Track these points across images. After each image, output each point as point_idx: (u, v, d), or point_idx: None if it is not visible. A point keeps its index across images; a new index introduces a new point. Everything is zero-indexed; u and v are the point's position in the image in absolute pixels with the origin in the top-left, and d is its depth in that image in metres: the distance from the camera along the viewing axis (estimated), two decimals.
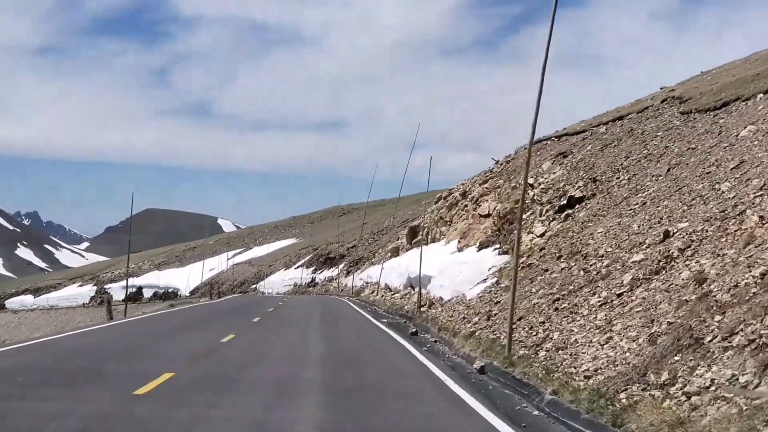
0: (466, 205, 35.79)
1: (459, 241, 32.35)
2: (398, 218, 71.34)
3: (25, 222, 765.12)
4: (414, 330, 19.81)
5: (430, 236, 39.58)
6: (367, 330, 21.81)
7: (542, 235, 23.18)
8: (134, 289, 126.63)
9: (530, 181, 30.71)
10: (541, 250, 20.41)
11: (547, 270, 17.50)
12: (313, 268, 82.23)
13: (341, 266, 69.31)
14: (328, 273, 74.96)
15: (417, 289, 32.42)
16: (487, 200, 33.02)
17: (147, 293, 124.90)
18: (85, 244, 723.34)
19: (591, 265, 15.02)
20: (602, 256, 15.05)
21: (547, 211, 24.98)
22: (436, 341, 17.93)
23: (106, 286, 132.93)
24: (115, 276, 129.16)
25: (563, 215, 22.65)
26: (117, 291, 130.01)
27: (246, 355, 14.48)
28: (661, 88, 39.47)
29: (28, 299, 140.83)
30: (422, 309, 26.66)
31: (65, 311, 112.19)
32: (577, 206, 22.87)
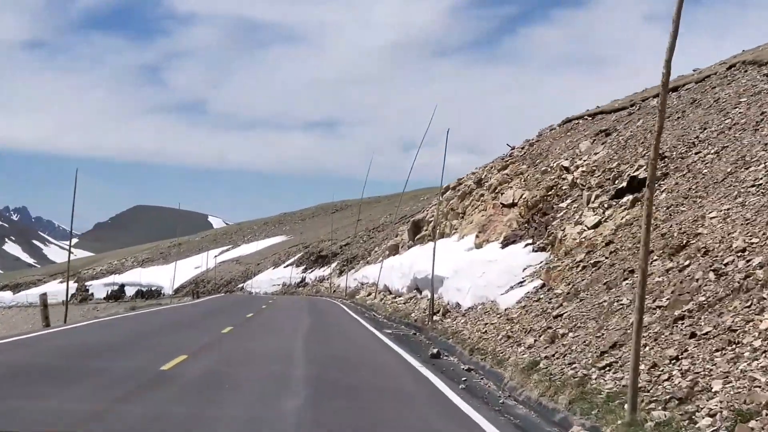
0: (482, 195, 30.44)
1: (477, 236, 26.98)
2: (397, 214, 65.89)
3: (14, 217, 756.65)
4: (435, 351, 14.44)
5: (438, 231, 34.19)
6: (372, 349, 16.46)
7: (596, 226, 17.86)
8: (116, 287, 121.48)
9: (565, 163, 25.41)
10: (607, 244, 15.04)
11: (632, 271, 12.15)
12: (303, 267, 76.79)
13: (333, 265, 63.87)
14: (319, 272, 69.52)
15: (426, 293, 27.05)
16: (510, 188, 27.67)
17: (130, 291, 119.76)
18: (74, 240, 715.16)
19: (726, 265, 9.67)
20: (743, 250, 9.71)
21: (597, 196, 19.65)
22: (470, 370, 12.56)
23: (87, 284, 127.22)
24: (97, 273, 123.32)
25: (628, 200, 17.30)
26: (98, 288, 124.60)
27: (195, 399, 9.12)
28: (693, 70, 34.54)
29: (6, 296, 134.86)
30: (435, 318, 21.33)
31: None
32: (643, 189, 17.54)
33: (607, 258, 14.09)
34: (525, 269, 19.43)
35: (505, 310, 16.27)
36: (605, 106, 30.92)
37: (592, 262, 14.46)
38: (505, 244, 23.94)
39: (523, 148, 32.83)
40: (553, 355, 10.52)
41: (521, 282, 18.36)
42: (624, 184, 18.67)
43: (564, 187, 23.77)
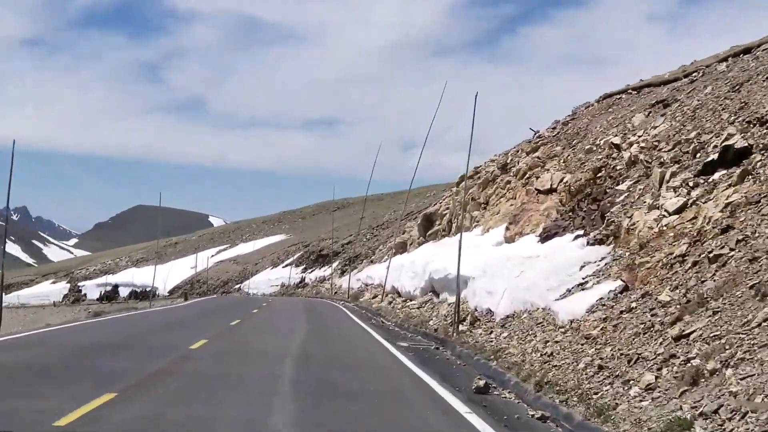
0: (508, 182, 26.06)
1: (507, 228, 22.61)
2: (403, 210, 61.48)
3: (14, 217, 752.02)
4: (482, 384, 10.04)
5: (454, 225, 29.85)
6: (388, 373, 12.06)
7: (680, 210, 13.51)
8: (110, 288, 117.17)
9: (615, 140, 21.04)
10: (724, 231, 10.63)
11: None
12: (302, 267, 72.50)
13: (335, 265, 59.49)
14: (319, 272, 65.19)
15: (445, 296, 22.67)
16: (546, 171, 23.30)
17: (124, 292, 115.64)
18: (74, 240, 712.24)
19: None
20: None
21: (674, 174, 15.26)
22: (545, 419, 8.17)
23: (80, 284, 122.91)
24: (90, 273, 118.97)
25: (733, 174, 12.91)
26: (91, 288, 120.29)
27: None
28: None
29: None
30: (461, 328, 17.01)
31: (35, 310, 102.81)
32: (744, 161, 13.20)
33: (734, 250, 9.68)
34: (582, 267, 15.06)
35: (571, 321, 11.88)
36: (651, 78, 26.54)
37: (709, 255, 10.06)
38: (546, 237, 19.59)
39: (554, 128, 28.45)
40: (714, 412, 6.11)
41: (582, 283, 13.99)
42: (714, 156, 14.28)
43: (618, 167, 19.40)
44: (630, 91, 26.32)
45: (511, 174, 26.29)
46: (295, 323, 23.49)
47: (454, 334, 16.64)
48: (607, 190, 18.71)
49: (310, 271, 68.89)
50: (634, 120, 21.50)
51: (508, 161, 28.08)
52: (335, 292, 51.08)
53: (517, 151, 28.75)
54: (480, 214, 27.32)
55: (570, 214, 19.66)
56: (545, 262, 17.18)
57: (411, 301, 26.73)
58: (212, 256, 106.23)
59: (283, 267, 77.69)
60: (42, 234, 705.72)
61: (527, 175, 24.62)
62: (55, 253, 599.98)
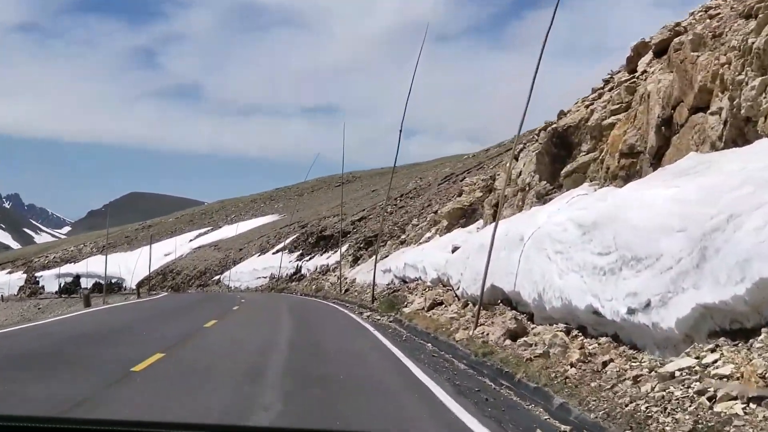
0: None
1: None
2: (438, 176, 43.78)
3: (6, 204, 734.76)
4: None
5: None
6: None
7: None
8: (70, 279, 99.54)
9: None
10: None
11: None
12: (298, 253, 54.75)
13: (344, 249, 41.67)
14: (321, 260, 47.48)
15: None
16: None
17: (86, 283, 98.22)
18: (67, 228, 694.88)
19: None
20: None
21: None
22: None
23: (37, 274, 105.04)
24: (49, 262, 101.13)
25: None
26: (50, 280, 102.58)
27: None
28: None
29: None
30: None
31: None
32: None
33: None
34: None
35: None
36: None
37: None
38: None
39: None
40: None
41: None
42: None
43: None
44: None
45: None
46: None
47: None
48: None
49: (308, 258, 51.19)
50: None
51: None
52: (345, 289, 33.41)
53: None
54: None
55: None
56: None
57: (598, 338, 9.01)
58: (191, 240, 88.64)
59: (274, 253, 59.92)
60: (34, 222, 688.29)
61: None
62: (46, 241, 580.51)
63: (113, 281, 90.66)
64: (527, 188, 17.28)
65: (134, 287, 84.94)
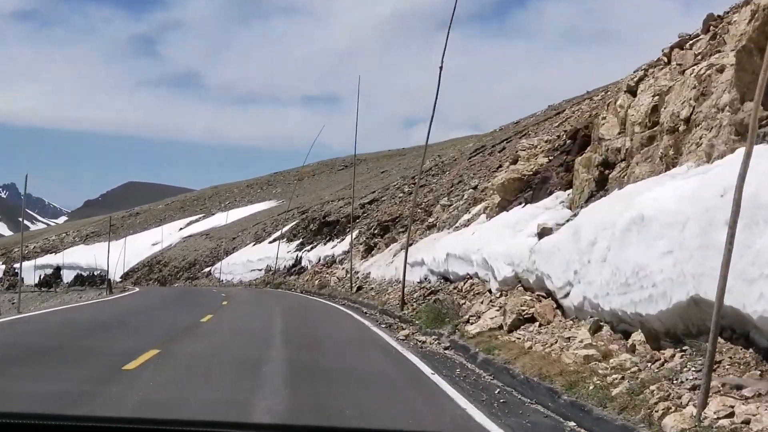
0: None
1: None
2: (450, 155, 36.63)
3: (2, 194, 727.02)
4: None
5: None
6: None
7: None
8: (50, 271, 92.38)
9: None
10: None
11: None
12: (298, 243, 47.51)
13: (354, 235, 34.31)
14: (325, 250, 40.19)
15: None
16: None
17: (68, 275, 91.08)
18: (63, 219, 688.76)
19: None
20: None
21: None
22: None
23: (15, 265, 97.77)
24: (29, 252, 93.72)
25: None
26: (28, 271, 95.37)
27: None
28: None
29: None
30: None
31: None
32: None
33: None
34: None
35: None
36: None
37: None
38: None
39: None
40: None
41: None
42: None
43: None
44: None
45: None
46: None
47: None
48: None
49: (309, 247, 43.93)
50: None
51: None
52: (358, 287, 26.18)
53: None
54: None
55: None
56: None
57: None
58: (180, 229, 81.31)
59: (270, 242, 52.65)
60: (30, 212, 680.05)
61: None
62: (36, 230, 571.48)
63: (96, 273, 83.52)
64: (681, 128, 9.98)
65: (119, 280, 77.91)
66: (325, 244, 41.68)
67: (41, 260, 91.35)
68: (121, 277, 77.67)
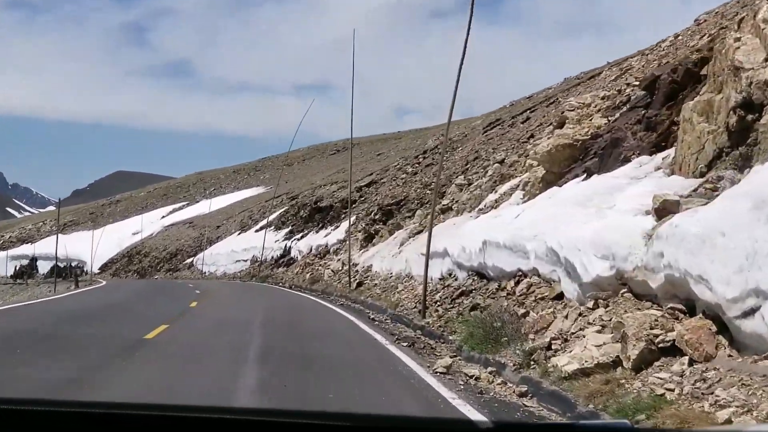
0: None
1: None
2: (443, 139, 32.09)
3: None
4: None
5: None
6: None
7: None
8: (26, 261, 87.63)
9: None
10: None
11: None
12: (287, 230, 42.87)
13: (351, 220, 29.60)
14: (317, 238, 35.53)
15: None
16: None
17: (44, 267, 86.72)
18: (51, 208, 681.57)
19: None
20: None
21: None
22: None
23: None
24: (4, 242, 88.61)
25: None
26: (2, 262, 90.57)
27: None
28: None
29: None
30: None
31: None
32: None
33: None
34: None
35: None
36: None
37: None
38: None
39: None
40: None
41: None
42: None
43: None
44: None
45: None
46: None
47: None
48: None
49: (299, 236, 39.30)
50: None
51: None
52: (358, 283, 21.62)
53: None
54: None
55: None
56: None
57: None
58: (163, 217, 76.43)
59: (256, 231, 48.01)
60: (17, 202, 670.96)
61: None
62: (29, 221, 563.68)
63: (74, 264, 78.72)
64: None
65: (97, 271, 73.11)
66: (317, 232, 37.07)
67: (17, 251, 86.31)
68: (99, 269, 72.90)
